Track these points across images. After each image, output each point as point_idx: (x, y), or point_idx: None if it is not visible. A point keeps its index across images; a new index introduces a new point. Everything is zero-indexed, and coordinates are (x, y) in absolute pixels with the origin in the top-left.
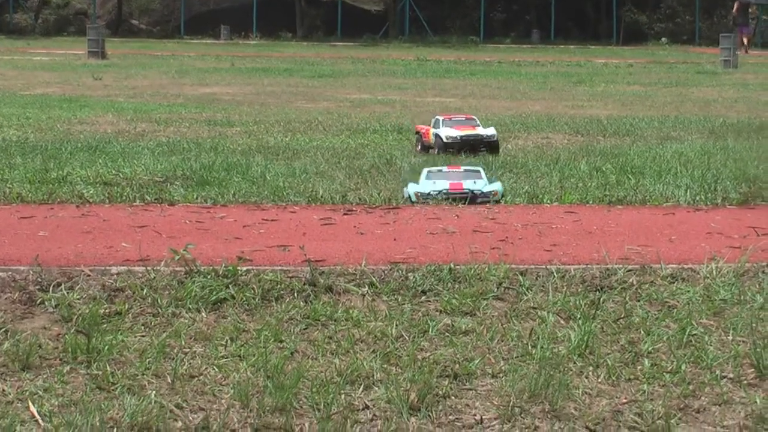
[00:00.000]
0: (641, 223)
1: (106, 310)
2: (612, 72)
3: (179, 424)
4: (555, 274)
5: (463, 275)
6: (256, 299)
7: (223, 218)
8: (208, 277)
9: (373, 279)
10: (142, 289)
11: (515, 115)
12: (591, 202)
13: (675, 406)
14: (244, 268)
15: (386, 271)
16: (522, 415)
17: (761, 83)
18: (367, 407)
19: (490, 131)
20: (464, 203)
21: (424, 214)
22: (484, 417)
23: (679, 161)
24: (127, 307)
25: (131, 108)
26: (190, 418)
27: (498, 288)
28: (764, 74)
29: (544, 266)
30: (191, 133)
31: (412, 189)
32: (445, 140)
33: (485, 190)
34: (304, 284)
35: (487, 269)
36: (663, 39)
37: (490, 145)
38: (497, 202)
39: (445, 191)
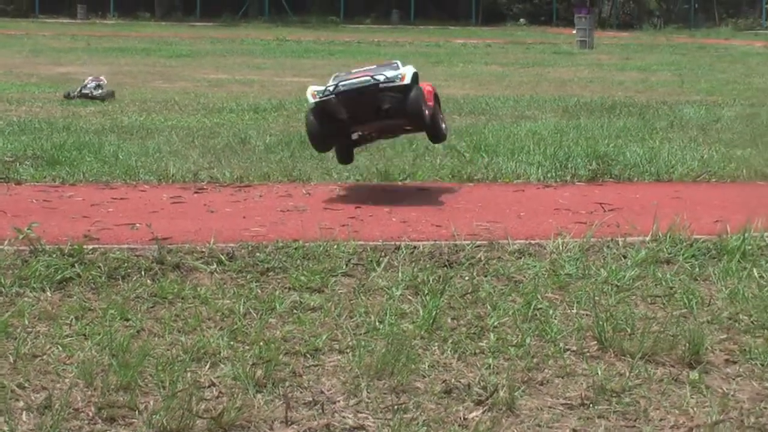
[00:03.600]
0: (491, 200)
1: None
2: (470, 52)
3: (21, 403)
4: (404, 249)
5: (312, 252)
6: (103, 278)
7: (71, 197)
8: (53, 256)
9: (221, 257)
10: None
11: None
12: (444, 179)
13: (519, 379)
14: (91, 247)
15: (235, 249)
16: (368, 391)
17: (615, 63)
18: (213, 384)
19: (395, 71)
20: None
21: (276, 191)
22: (329, 393)
23: (532, 139)
24: None
25: None
26: (33, 397)
27: (347, 265)
28: (618, 55)
29: (393, 243)
30: (44, 113)
31: (309, 90)
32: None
33: (389, 75)
34: (152, 262)
35: (336, 246)
36: (521, 20)
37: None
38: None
39: (343, 83)
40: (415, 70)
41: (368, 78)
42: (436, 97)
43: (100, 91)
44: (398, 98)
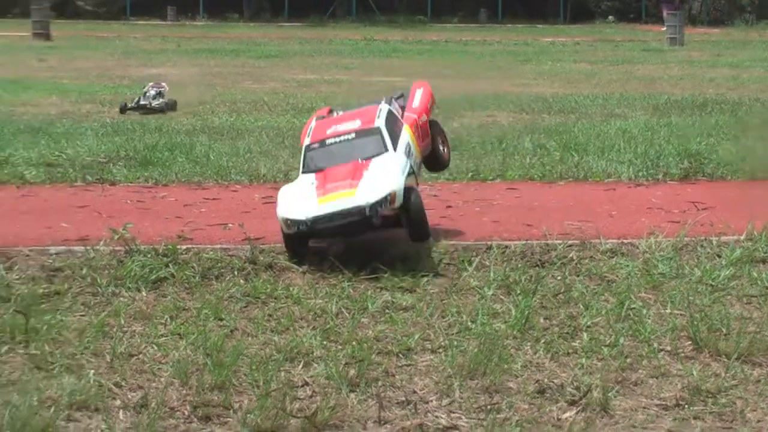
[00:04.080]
0: (582, 199)
1: (45, 290)
2: (558, 50)
3: (118, 402)
4: (495, 249)
5: (404, 253)
6: (196, 278)
7: (164, 198)
8: (148, 256)
9: (313, 257)
10: (82, 269)
11: (461, 93)
12: (533, 178)
13: (613, 379)
14: (184, 247)
15: (326, 249)
16: (461, 390)
17: (706, 60)
18: (306, 384)
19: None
20: None
21: None
22: (422, 393)
23: (622, 138)
24: (66, 286)
25: (76, 89)
26: (129, 396)
27: (439, 264)
28: (709, 51)
29: (484, 242)
30: (136, 114)
31: (281, 216)
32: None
33: (372, 198)
34: (245, 262)
35: (427, 246)
36: (610, 17)
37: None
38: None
39: (318, 214)
40: (407, 141)
41: (349, 207)
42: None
43: (159, 101)
44: (393, 217)
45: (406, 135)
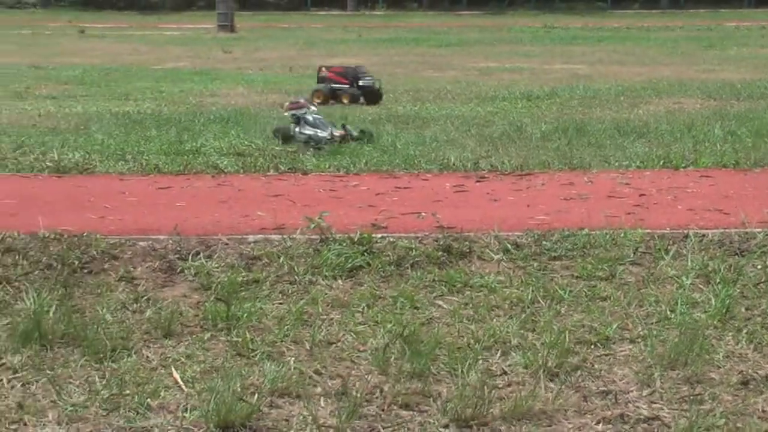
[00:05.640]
0: None
1: (244, 278)
2: (744, 35)
3: (318, 389)
4: (692, 238)
5: (598, 241)
6: (392, 266)
7: (356, 186)
8: (344, 244)
9: (508, 245)
10: (279, 257)
11: (645, 80)
12: (727, 165)
13: None
14: (379, 236)
15: (520, 237)
16: (662, 381)
17: None
18: (504, 373)
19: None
20: None
21: (557, 179)
22: (622, 383)
23: None
24: (264, 275)
25: (261, 80)
26: (329, 384)
27: (634, 253)
28: None
29: (680, 231)
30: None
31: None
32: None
33: None
34: (439, 251)
35: (622, 234)
36: None
37: None
38: None
39: None
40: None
41: None
42: None
43: (327, 131)
44: None
45: None
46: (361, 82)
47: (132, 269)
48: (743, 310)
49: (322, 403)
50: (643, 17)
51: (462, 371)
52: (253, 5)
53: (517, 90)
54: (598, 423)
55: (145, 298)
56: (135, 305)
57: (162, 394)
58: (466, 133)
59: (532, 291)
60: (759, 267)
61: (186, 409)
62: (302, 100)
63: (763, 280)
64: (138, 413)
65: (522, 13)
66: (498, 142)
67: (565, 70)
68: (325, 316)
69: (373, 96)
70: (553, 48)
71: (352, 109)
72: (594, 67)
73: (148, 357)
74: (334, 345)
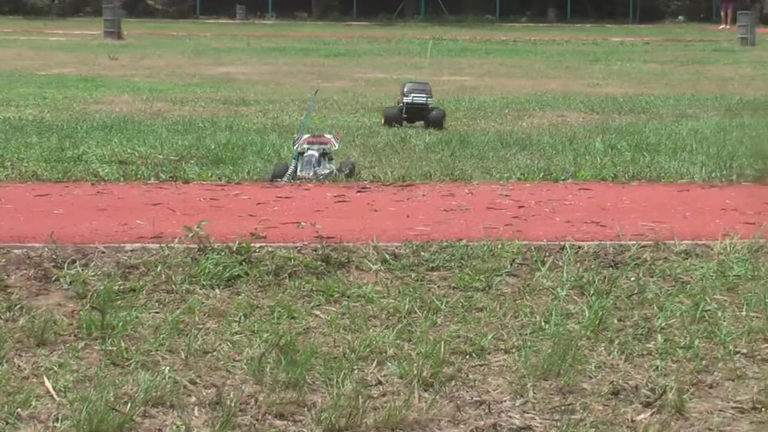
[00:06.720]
0: (655, 200)
1: (121, 287)
2: (628, 50)
3: (193, 399)
4: (569, 250)
5: (476, 252)
6: (270, 276)
7: (237, 196)
8: (222, 254)
9: (386, 255)
10: (157, 266)
11: (531, 93)
12: (606, 179)
13: (688, 381)
14: (258, 245)
15: (399, 248)
16: (534, 391)
17: None
18: (380, 383)
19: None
20: None
21: (438, 191)
22: (496, 393)
23: (694, 139)
24: (141, 283)
25: (147, 87)
26: (204, 393)
27: (511, 264)
28: None
29: (557, 242)
30: (207, 112)
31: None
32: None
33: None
34: (317, 261)
35: (500, 246)
36: (680, 17)
37: None
38: None
39: None
40: None
41: None
42: None
43: (328, 168)
44: None
45: None
46: (406, 99)
47: (5, 277)
48: (616, 321)
49: (196, 413)
50: (530, 30)
51: (337, 381)
52: (142, 12)
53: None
54: None
55: (18, 306)
56: (8, 314)
57: (33, 403)
58: (350, 143)
59: (409, 301)
60: (632, 279)
61: (57, 419)
62: (328, 136)
63: (635, 292)
64: (8, 423)
65: (411, 24)
66: (381, 153)
67: (452, 81)
68: (201, 326)
69: (418, 116)
70: (441, 60)
71: (237, 117)
72: (481, 79)
73: (19, 366)
74: (209, 354)
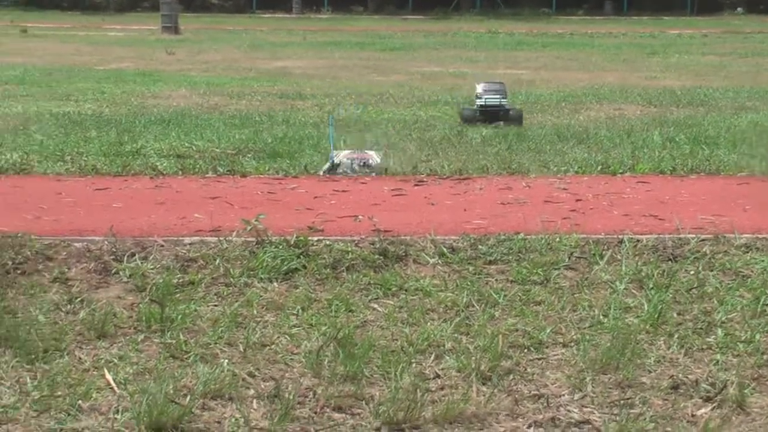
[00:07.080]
0: (714, 193)
1: (180, 280)
2: (686, 42)
3: (251, 392)
4: (627, 243)
5: (534, 245)
6: (327, 269)
7: (294, 189)
8: (280, 247)
9: (444, 249)
10: (215, 259)
11: (588, 86)
12: (664, 172)
13: (749, 376)
14: (315, 239)
15: (457, 241)
16: (593, 385)
17: None
18: (438, 376)
19: None
20: None
21: (495, 184)
22: (554, 387)
23: (754, 131)
24: (199, 277)
25: (204, 82)
26: (263, 386)
27: (569, 258)
28: None
29: (615, 236)
30: (263, 107)
31: None
32: None
33: None
34: (375, 254)
35: (558, 239)
36: (738, 9)
37: None
38: None
39: None
40: None
41: None
42: None
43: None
44: None
45: None
46: (478, 101)
47: (66, 270)
48: (675, 315)
49: (255, 406)
50: (587, 23)
51: (395, 374)
52: (198, 7)
53: (459, 94)
54: (529, 426)
55: (79, 299)
56: (68, 306)
57: (94, 395)
58: (407, 137)
59: (467, 295)
60: (691, 272)
61: (117, 411)
62: (371, 152)
63: (695, 286)
64: (69, 415)
65: (467, 18)
66: (438, 146)
67: (508, 75)
68: (259, 319)
69: (495, 116)
70: (497, 53)
71: (293, 112)
72: (537, 72)
73: (80, 358)
74: (267, 347)
